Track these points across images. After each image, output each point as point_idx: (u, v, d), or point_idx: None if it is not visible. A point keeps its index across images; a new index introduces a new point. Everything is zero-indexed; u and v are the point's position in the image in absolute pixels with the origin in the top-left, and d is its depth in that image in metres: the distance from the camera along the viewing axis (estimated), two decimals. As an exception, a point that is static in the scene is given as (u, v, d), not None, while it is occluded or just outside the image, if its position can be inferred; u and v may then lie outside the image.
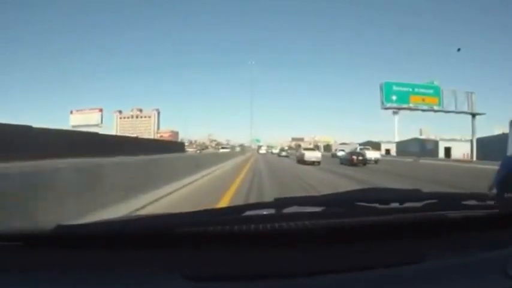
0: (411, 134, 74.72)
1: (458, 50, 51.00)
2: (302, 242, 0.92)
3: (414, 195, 1.16)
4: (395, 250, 0.96)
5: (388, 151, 66.81)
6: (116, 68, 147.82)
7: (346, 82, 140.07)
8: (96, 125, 52.77)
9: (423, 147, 53.63)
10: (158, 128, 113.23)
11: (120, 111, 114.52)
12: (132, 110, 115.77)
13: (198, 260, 0.87)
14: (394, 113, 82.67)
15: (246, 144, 75.72)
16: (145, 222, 0.98)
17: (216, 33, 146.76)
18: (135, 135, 77.29)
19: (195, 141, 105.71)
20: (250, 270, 0.86)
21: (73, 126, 51.28)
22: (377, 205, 1.06)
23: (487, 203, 1.20)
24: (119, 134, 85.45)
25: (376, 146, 72.59)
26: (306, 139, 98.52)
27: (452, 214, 1.08)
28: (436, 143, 54.79)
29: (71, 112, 54.72)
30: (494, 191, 5.28)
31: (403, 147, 60.22)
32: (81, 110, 55.08)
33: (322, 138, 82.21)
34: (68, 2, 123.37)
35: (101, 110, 52.87)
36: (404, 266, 0.90)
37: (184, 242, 0.90)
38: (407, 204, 1.09)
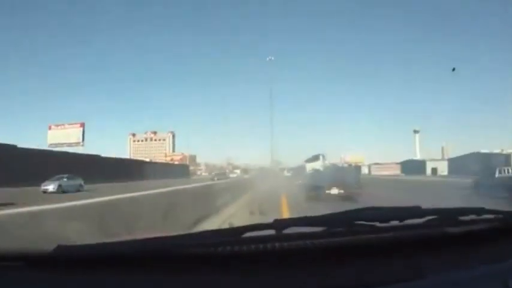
0: (432, 153, 68.46)
1: (453, 69, 49.23)
2: (302, 262, 0.93)
3: (414, 212, 1.15)
4: (396, 267, 0.98)
5: (434, 170, 55.36)
6: (132, 90, 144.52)
7: (366, 99, 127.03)
8: (77, 143, 42.79)
9: (487, 164, 40.35)
10: (173, 151, 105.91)
11: (133, 134, 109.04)
12: (146, 133, 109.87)
13: (198, 281, 0.89)
14: (415, 131, 73.81)
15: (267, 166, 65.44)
16: (144, 244, 0.98)
17: (231, 47, 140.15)
18: (148, 159, 70.96)
19: (213, 166, 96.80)
20: None
21: (50, 145, 41.36)
22: (377, 223, 1.05)
23: (486, 217, 1.17)
24: (132, 157, 78.94)
25: (420, 165, 60.05)
26: (331, 160, 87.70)
27: (452, 230, 1.08)
28: (508, 157, 41.12)
29: (49, 128, 45.27)
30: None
31: (459, 164, 46.78)
32: (61, 125, 45.64)
33: (353, 158, 69.98)
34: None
35: (82, 125, 43.29)
36: (406, 282, 0.92)
37: (184, 264, 0.91)
38: (407, 222, 1.07)
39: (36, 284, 0.88)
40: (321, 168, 24.03)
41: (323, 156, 29.01)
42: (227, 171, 61.66)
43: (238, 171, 63.51)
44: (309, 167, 28.87)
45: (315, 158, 29.30)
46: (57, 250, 0.90)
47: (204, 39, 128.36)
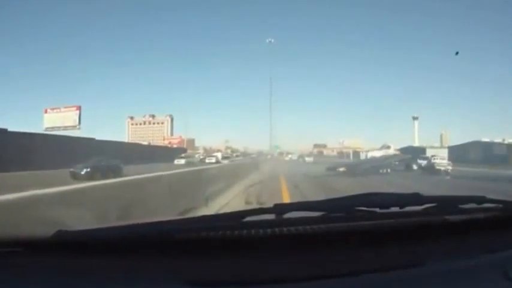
0: (430, 140, 68.45)
1: (457, 53, 51.67)
2: (302, 247, 0.94)
3: (414, 199, 1.14)
4: (395, 254, 0.98)
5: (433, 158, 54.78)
6: (129, 72, 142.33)
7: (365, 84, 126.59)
8: (74, 127, 41.91)
9: (488, 153, 40.11)
10: (171, 135, 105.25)
11: (131, 118, 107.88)
12: (144, 116, 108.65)
13: (199, 266, 0.89)
14: (414, 118, 73.33)
15: (265, 151, 64.94)
16: (145, 228, 0.97)
17: (233, 33, 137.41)
18: (145, 142, 70.46)
19: (210, 148, 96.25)
20: (251, 276, 0.87)
21: (47, 129, 40.51)
22: (377, 210, 1.05)
23: (485, 206, 1.16)
24: (130, 141, 78.50)
25: (420, 151, 59.71)
26: (329, 145, 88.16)
27: (452, 218, 1.08)
28: (509, 147, 40.77)
29: (45, 111, 44.36)
30: None
31: (459, 153, 46.42)
32: (57, 108, 44.67)
33: (352, 143, 69.73)
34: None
35: (78, 108, 42.36)
36: (405, 270, 0.92)
37: (185, 248, 0.92)
38: (407, 209, 1.08)
39: (36, 270, 0.87)
40: (378, 155, 32.62)
41: (387, 146, 34.34)
42: (196, 155, 48.06)
43: (219, 154, 51.03)
44: (370, 153, 36.93)
45: (381, 147, 38.62)
46: (57, 235, 0.89)
47: (203, 21, 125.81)
